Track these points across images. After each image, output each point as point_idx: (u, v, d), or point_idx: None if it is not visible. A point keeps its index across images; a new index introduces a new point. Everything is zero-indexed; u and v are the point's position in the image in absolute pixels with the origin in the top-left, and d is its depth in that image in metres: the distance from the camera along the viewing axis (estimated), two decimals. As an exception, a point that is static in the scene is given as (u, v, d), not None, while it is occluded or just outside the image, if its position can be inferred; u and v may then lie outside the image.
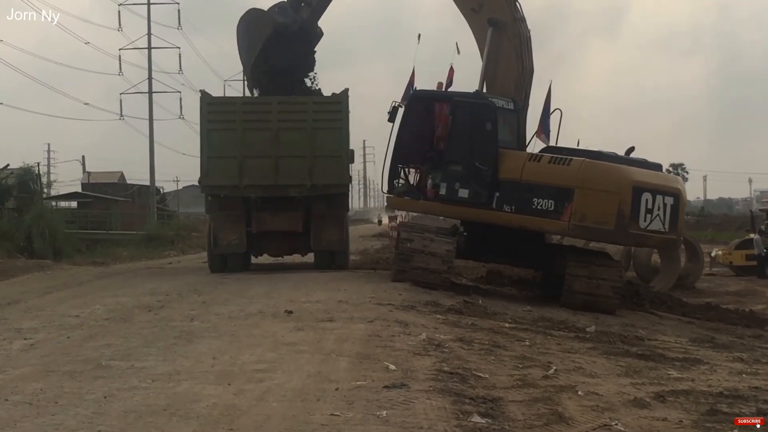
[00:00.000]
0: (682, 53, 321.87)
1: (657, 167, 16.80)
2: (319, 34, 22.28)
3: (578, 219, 15.71)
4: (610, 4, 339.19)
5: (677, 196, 16.12)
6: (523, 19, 17.83)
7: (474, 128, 16.73)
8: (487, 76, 18.01)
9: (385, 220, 57.57)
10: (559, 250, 18.10)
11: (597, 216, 15.70)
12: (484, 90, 17.86)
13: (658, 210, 15.77)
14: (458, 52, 19.00)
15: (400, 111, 17.78)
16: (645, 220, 15.72)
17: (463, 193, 16.75)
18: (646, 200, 15.68)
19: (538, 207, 15.98)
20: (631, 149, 16.93)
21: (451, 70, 18.22)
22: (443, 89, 17.98)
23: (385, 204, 22.54)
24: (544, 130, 17.47)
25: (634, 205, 15.61)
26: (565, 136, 17.55)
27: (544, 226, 16.29)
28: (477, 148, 16.61)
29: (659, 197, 15.81)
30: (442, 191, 17.03)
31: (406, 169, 18.13)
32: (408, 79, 18.83)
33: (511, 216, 16.34)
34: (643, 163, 16.46)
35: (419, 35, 19.88)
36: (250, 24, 21.58)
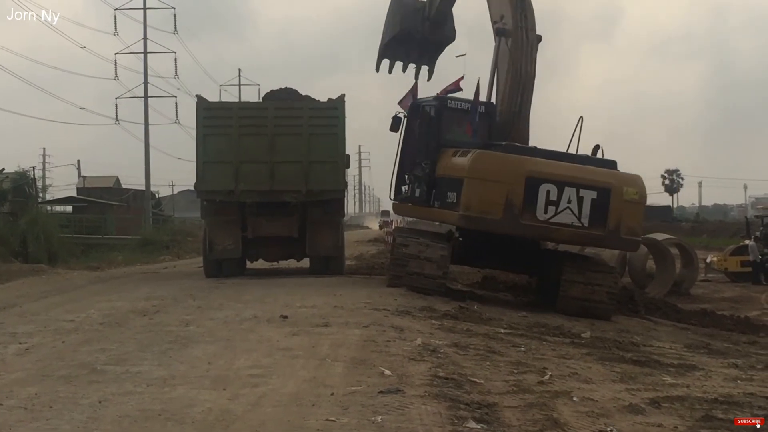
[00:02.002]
0: (677, 60, 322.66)
1: (608, 164, 16.36)
2: (447, 38, 21.72)
3: (464, 209, 15.76)
4: (604, 10, 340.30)
5: (603, 191, 15.53)
6: (530, 28, 17.87)
7: (421, 129, 17.80)
8: (498, 83, 18.13)
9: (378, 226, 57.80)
10: (554, 256, 18.09)
11: (483, 206, 15.62)
12: (494, 97, 17.94)
13: (568, 203, 15.41)
14: (463, 55, 19.56)
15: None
16: (546, 212, 15.41)
17: (416, 192, 17.70)
18: (548, 191, 15.37)
19: (448, 200, 16.36)
20: (596, 148, 16.89)
21: (460, 78, 18.40)
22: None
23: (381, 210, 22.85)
24: (472, 125, 17.51)
25: (529, 195, 15.37)
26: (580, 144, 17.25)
27: (448, 218, 16.63)
28: (423, 148, 17.57)
29: (571, 189, 15.42)
30: (408, 192, 18.10)
31: (409, 176, 18.46)
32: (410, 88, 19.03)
33: (436, 211, 17.03)
34: (580, 159, 16.23)
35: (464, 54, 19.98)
36: (390, 10, 21.41)
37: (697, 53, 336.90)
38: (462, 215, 15.81)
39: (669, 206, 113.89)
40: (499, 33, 17.86)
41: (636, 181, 16.27)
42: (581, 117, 17.34)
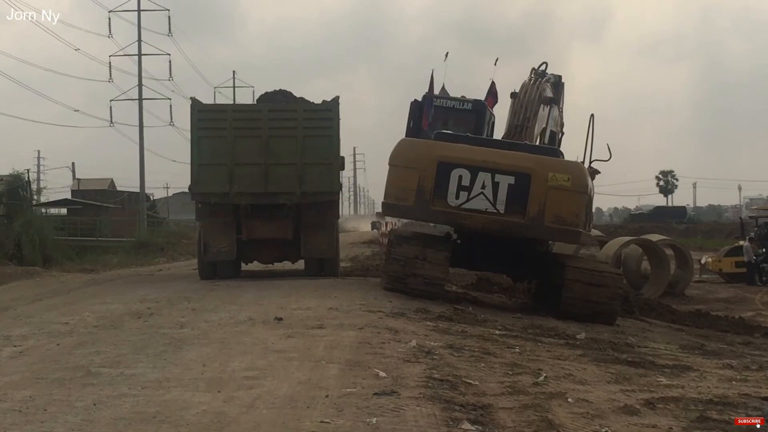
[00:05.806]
0: (669, 61, 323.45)
1: (549, 152, 16.01)
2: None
3: (385, 196, 15.88)
4: (593, 11, 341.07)
5: (522, 176, 14.98)
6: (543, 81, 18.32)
7: (408, 125, 17.91)
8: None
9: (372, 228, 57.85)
10: (555, 259, 17.38)
11: (399, 192, 15.61)
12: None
13: (482, 188, 15.06)
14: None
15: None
16: (457, 198, 15.15)
17: None
18: (459, 177, 15.07)
19: None
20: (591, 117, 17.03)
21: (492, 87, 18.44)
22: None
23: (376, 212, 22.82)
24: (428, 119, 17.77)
25: (440, 181, 15.17)
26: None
27: None
28: None
29: (485, 175, 15.04)
30: None
31: None
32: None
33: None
34: (517, 146, 15.93)
35: (446, 54, 19.87)
36: None
37: (688, 54, 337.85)
38: (383, 203, 15.99)
39: (684, 207, 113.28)
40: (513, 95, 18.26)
41: (569, 168, 15.46)
42: (592, 114, 17.18)
